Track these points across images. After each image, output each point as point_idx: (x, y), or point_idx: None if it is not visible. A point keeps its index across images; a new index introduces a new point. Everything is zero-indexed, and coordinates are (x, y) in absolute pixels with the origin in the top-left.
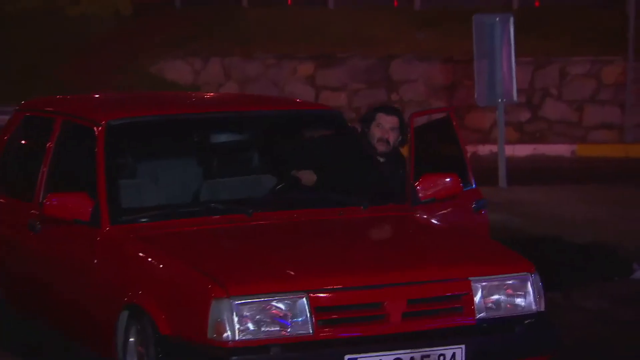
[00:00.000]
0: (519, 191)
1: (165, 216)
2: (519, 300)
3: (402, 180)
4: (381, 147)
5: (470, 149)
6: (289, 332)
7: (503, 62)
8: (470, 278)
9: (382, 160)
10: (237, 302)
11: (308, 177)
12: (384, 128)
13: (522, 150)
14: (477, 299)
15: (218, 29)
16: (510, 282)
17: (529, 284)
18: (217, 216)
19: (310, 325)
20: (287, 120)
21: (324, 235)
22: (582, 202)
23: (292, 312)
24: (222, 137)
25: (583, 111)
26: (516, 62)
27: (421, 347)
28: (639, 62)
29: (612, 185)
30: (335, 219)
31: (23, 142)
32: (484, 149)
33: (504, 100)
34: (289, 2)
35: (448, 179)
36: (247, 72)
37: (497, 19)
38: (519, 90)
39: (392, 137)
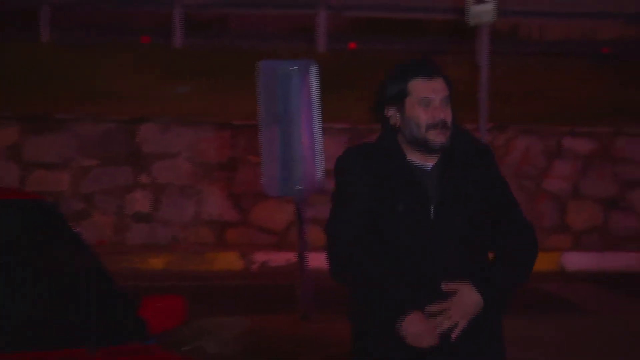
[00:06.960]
0: (330, 324)
1: None
2: None
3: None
4: (441, 138)
5: (259, 257)
6: None
7: (303, 130)
8: None
9: (430, 166)
10: None
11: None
12: (434, 103)
13: None
14: None
15: None
16: None
17: None
18: None
19: None
20: None
21: None
22: None
23: None
24: None
25: None
26: (323, 130)
27: None
28: (499, 130)
29: None
30: None
31: None
32: (279, 259)
33: (304, 187)
34: None
35: (177, 302)
36: None
37: (296, 67)
38: (328, 173)
39: (450, 116)
